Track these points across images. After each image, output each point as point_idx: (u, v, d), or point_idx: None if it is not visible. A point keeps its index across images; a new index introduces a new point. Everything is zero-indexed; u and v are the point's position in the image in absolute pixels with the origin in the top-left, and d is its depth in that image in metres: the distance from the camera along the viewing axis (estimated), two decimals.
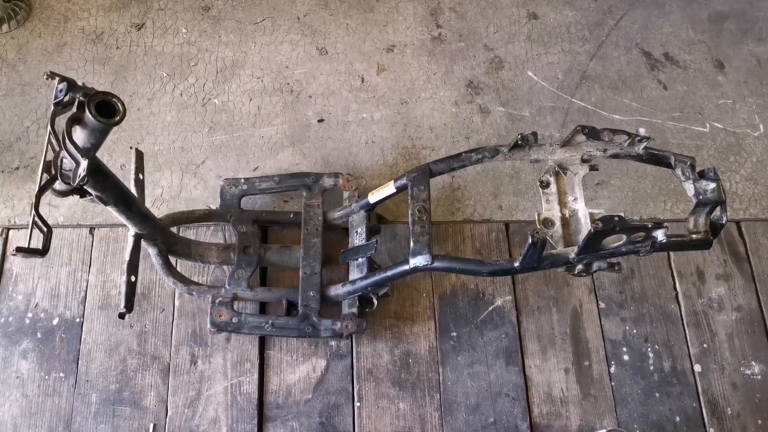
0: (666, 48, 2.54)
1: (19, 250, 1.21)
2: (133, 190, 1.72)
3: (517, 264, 1.52)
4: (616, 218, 1.37)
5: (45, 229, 1.25)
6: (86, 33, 2.42)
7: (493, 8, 2.59)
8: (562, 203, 1.62)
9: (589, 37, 2.55)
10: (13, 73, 2.31)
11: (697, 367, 1.98)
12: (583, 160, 1.66)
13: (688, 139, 2.33)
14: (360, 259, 1.85)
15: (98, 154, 1.28)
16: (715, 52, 2.54)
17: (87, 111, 1.13)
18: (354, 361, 1.93)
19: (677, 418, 1.91)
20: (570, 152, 1.66)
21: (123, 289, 1.67)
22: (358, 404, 1.88)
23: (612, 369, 1.96)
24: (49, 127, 1.21)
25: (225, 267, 1.98)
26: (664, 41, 2.55)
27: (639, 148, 1.64)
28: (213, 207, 2.08)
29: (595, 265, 1.55)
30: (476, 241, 2.11)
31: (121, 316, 1.66)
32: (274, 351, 1.93)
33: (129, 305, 1.66)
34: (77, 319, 1.94)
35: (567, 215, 1.60)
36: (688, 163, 1.60)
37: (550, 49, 2.51)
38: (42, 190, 1.25)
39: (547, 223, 1.59)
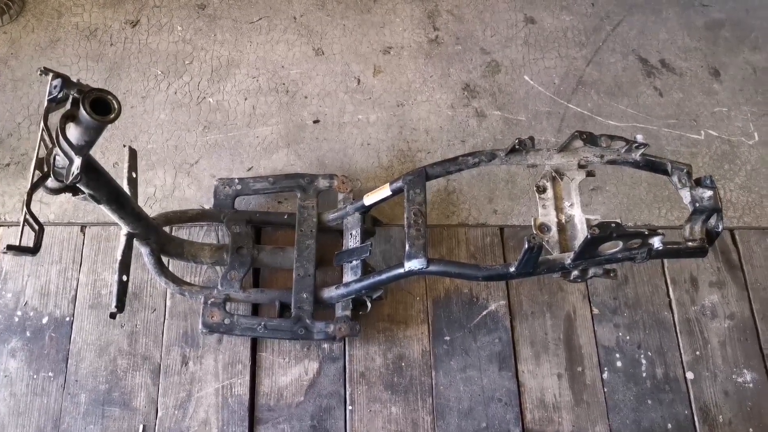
0: (662, 54, 2.54)
1: (9, 248, 1.19)
2: (125, 188, 1.71)
3: (512, 269, 1.51)
4: (613, 225, 1.37)
5: (36, 227, 1.23)
6: (80, 29, 2.40)
7: (491, 12, 2.59)
8: (559, 209, 1.61)
9: (586, 42, 2.55)
10: (5, 68, 2.29)
11: (690, 375, 1.98)
12: (580, 166, 1.65)
13: (683, 146, 2.34)
14: (354, 262, 1.84)
15: (91, 152, 1.26)
16: (711, 60, 2.54)
17: (82, 108, 1.12)
18: (347, 364, 1.92)
19: (669, 425, 1.91)
20: (567, 158, 1.65)
21: (114, 288, 1.66)
22: (350, 408, 1.87)
23: (605, 375, 1.96)
24: (42, 124, 1.19)
25: (218, 267, 1.96)
26: (660, 48, 2.56)
27: (636, 155, 1.64)
28: (206, 207, 2.06)
29: (591, 272, 1.55)
30: (471, 245, 2.10)
31: (112, 315, 1.65)
32: (266, 353, 1.92)
33: (120, 305, 1.66)
34: (67, 318, 1.92)
35: (563, 221, 1.60)
36: (685, 170, 1.60)
37: (546, 54, 2.51)
38: (34, 188, 1.23)
39: (544, 228, 1.58)
